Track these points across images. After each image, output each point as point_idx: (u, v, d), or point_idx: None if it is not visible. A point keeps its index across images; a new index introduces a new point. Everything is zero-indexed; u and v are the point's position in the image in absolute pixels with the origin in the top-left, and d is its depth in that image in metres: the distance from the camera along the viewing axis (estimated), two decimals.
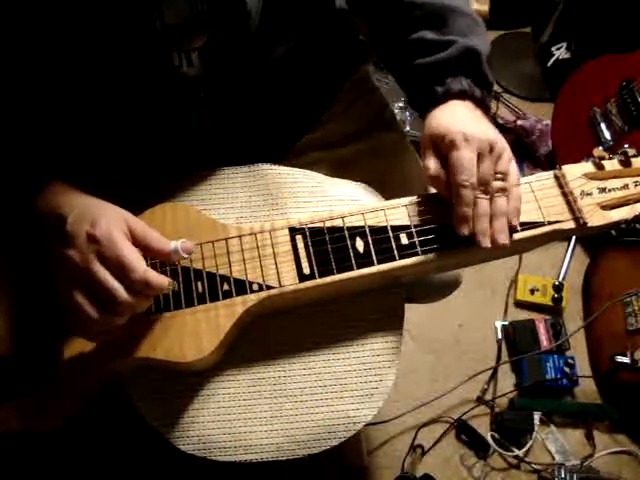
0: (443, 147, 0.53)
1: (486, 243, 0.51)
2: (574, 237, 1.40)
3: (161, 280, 0.46)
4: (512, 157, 0.54)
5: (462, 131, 0.51)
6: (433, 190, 0.56)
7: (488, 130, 0.53)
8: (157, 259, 0.51)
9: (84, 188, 0.52)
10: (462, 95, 0.56)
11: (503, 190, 0.52)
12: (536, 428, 1.18)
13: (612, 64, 1.32)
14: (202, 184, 0.62)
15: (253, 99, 0.63)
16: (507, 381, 1.26)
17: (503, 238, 0.51)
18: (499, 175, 0.52)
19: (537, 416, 1.18)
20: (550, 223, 0.55)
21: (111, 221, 0.47)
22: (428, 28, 0.59)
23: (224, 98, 0.60)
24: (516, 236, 0.54)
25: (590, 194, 0.57)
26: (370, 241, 0.54)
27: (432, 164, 0.54)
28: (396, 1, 0.61)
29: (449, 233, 0.53)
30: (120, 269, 0.45)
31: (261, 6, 0.54)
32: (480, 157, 0.51)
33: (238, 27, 0.54)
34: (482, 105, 0.57)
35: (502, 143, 0.54)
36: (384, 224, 0.55)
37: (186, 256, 0.49)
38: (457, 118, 0.54)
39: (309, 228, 0.55)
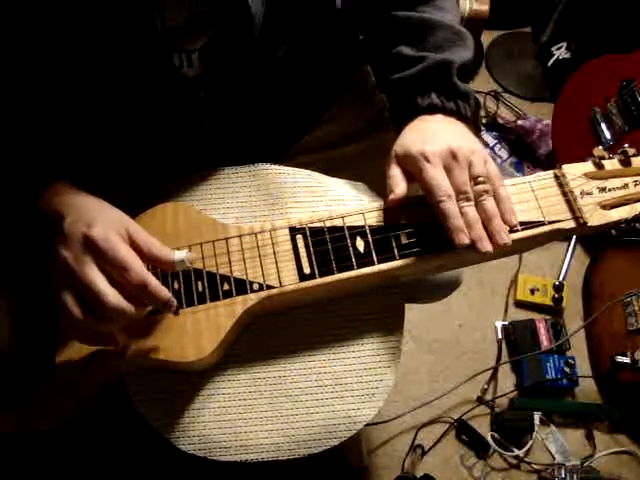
0: (408, 169, 0.53)
1: (486, 247, 0.50)
2: (574, 237, 1.40)
3: (160, 287, 0.46)
4: (488, 159, 0.53)
5: (421, 151, 0.51)
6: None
7: (450, 139, 0.52)
8: (159, 267, 0.51)
9: (86, 188, 0.51)
10: (432, 110, 0.56)
11: (486, 192, 0.51)
12: (536, 428, 1.18)
13: (612, 64, 1.32)
14: (202, 184, 0.62)
15: (253, 99, 0.63)
16: (507, 381, 1.26)
17: (503, 238, 0.50)
18: (480, 179, 0.51)
19: (537, 416, 1.18)
20: (550, 222, 0.55)
21: (109, 224, 0.47)
22: (406, 43, 0.59)
23: (224, 98, 0.60)
24: (516, 236, 0.53)
25: (590, 193, 0.57)
26: (370, 241, 0.54)
27: (399, 182, 0.53)
28: (383, 15, 0.61)
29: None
30: (117, 268, 0.45)
31: (264, 9, 0.54)
32: (448, 169, 0.51)
33: (241, 30, 0.54)
34: (456, 115, 0.56)
35: (468, 147, 0.52)
36: (384, 224, 0.55)
37: (190, 266, 0.49)
38: (419, 136, 0.54)
39: (309, 228, 0.55)
